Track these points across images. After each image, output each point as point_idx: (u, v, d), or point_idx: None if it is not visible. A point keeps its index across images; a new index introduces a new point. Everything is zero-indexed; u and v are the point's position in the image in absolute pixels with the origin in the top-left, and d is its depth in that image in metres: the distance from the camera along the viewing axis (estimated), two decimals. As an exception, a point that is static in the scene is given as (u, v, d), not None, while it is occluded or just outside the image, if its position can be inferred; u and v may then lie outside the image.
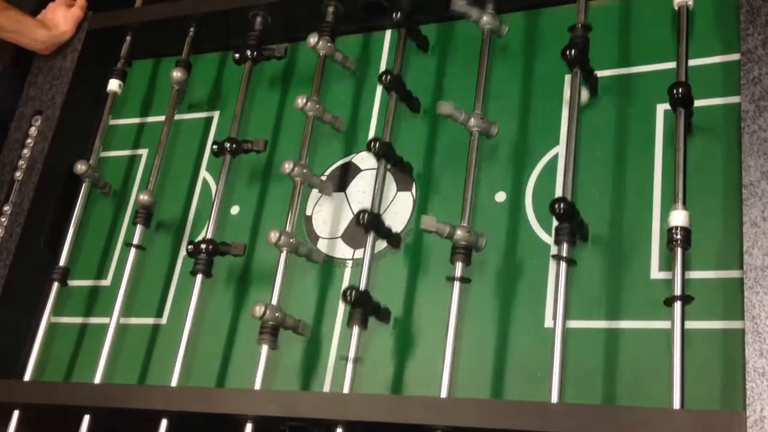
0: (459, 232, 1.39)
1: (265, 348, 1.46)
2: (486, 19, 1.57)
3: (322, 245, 1.65)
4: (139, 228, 1.71)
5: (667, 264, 1.33)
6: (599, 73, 1.54)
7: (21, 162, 1.88)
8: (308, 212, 1.69)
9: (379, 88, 1.74)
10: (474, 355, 1.39)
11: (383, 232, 1.52)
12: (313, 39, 1.69)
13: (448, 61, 1.72)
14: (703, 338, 1.27)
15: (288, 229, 1.55)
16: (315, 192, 1.70)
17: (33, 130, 1.91)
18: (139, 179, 1.91)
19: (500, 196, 1.54)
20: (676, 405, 1.16)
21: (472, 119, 1.49)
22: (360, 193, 1.66)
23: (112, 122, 1.96)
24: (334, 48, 1.72)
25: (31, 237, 1.81)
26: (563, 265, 1.31)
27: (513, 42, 1.66)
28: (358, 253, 1.60)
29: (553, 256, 1.34)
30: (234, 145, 1.72)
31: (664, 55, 1.50)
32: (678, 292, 1.23)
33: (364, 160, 1.70)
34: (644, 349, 1.32)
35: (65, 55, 1.97)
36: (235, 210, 1.76)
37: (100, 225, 1.88)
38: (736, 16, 1.41)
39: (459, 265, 1.38)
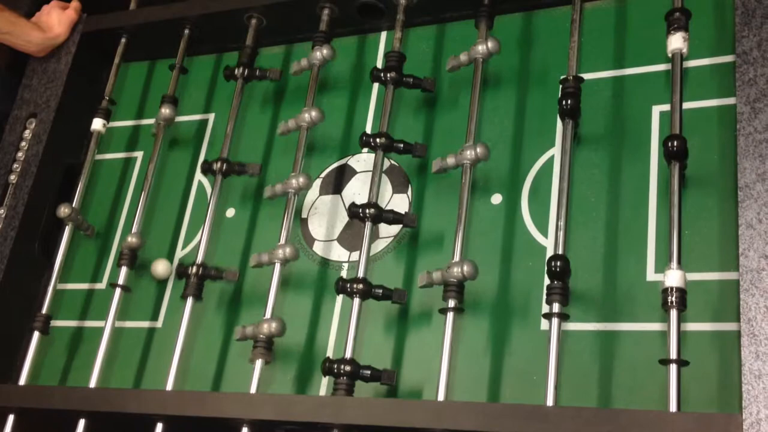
0: (451, 271, 1.36)
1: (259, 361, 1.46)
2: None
3: (317, 248, 1.64)
4: (123, 269, 1.67)
5: (663, 265, 1.33)
6: (595, 75, 1.54)
7: (15, 165, 1.87)
8: (303, 215, 1.69)
9: (376, 89, 1.73)
10: (470, 358, 1.39)
11: (387, 218, 1.51)
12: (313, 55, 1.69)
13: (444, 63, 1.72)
14: (699, 340, 1.27)
15: (283, 240, 1.54)
16: (310, 194, 1.69)
17: (27, 133, 1.90)
18: (134, 182, 1.90)
19: (496, 199, 1.54)
20: (673, 408, 1.16)
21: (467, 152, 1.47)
22: (356, 195, 1.66)
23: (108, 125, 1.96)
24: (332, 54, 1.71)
25: (25, 240, 1.81)
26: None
27: (509, 43, 1.66)
28: (354, 256, 1.59)
29: (545, 315, 1.32)
30: (225, 166, 1.69)
31: (659, 56, 1.49)
32: (674, 353, 1.19)
33: (360, 162, 1.70)
34: (640, 351, 1.31)
35: (60, 57, 1.97)
36: (230, 213, 1.76)
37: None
38: (731, 17, 1.42)
39: (451, 302, 1.36)
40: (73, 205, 1.79)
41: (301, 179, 1.58)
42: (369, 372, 1.39)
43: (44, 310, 1.70)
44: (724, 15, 1.48)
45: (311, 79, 1.69)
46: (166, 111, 1.82)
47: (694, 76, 1.45)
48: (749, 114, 1.29)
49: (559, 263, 1.30)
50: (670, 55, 1.40)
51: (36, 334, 1.68)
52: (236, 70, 1.77)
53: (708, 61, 1.47)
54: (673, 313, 1.21)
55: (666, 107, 1.43)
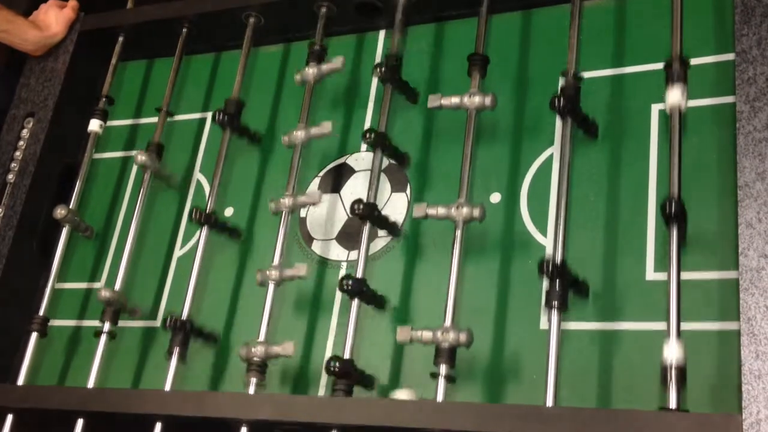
0: (442, 335, 1.32)
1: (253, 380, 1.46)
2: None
3: (316, 247, 1.64)
4: (107, 324, 1.64)
5: (663, 265, 1.33)
6: (594, 74, 1.53)
7: (13, 164, 1.87)
8: (302, 214, 1.68)
9: (374, 88, 1.73)
10: (470, 357, 1.38)
11: (380, 222, 1.50)
12: (305, 71, 1.68)
13: (442, 62, 1.71)
14: (699, 340, 1.26)
15: (276, 261, 1.54)
16: (308, 189, 1.69)
17: (25, 132, 1.90)
18: (132, 181, 1.89)
19: (495, 198, 1.53)
20: (672, 407, 1.16)
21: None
22: (354, 194, 1.65)
23: (107, 124, 1.95)
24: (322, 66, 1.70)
25: (23, 240, 1.80)
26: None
27: (507, 42, 1.65)
28: (353, 255, 1.59)
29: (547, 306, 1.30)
30: (213, 219, 1.66)
31: (658, 55, 1.49)
32: (673, 398, 1.16)
33: (359, 161, 1.69)
34: (640, 351, 1.31)
35: (57, 56, 1.96)
36: (229, 212, 1.75)
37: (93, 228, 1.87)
38: (730, 15, 1.41)
39: (443, 367, 1.32)
40: (71, 206, 1.79)
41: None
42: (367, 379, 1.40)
43: (42, 312, 1.69)
44: (724, 13, 1.47)
45: (306, 92, 1.68)
46: (141, 158, 1.76)
47: (693, 74, 1.44)
48: (749, 113, 1.29)
49: (557, 265, 1.29)
50: (668, 112, 1.34)
51: (34, 336, 1.68)
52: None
53: (707, 60, 1.47)
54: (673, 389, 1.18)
55: (665, 105, 1.43)
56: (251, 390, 1.45)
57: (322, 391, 1.49)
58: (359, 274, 1.45)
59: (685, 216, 1.27)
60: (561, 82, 1.47)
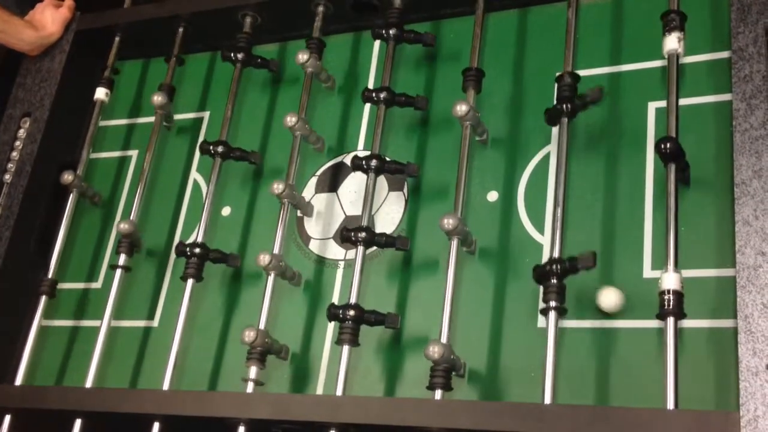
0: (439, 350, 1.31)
1: (254, 368, 1.46)
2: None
3: (313, 246, 1.64)
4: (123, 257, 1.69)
5: (660, 263, 1.33)
6: (591, 72, 1.54)
7: (10, 165, 1.87)
8: (299, 213, 1.68)
9: (371, 86, 1.73)
10: (467, 356, 1.39)
11: (377, 242, 1.50)
12: (302, 55, 1.68)
13: (439, 60, 1.71)
14: (696, 337, 1.26)
15: (276, 250, 1.54)
16: (306, 192, 1.69)
17: (21, 132, 1.90)
18: (130, 181, 1.89)
19: (492, 196, 1.53)
20: (670, 405, 1.16)
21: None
22: (352, 193, 1.66)
23: (102, 123, 1.95)
24: (321, 66, 1.71)
25: (20, 240, 1.80)
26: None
27: (504, 40, 1.66)
28: (350, 254, 1.59)
29: (542, 311, 1.30)
30: (223, 149, 1.70)
31: (655, 53, 1.49)
32: (671, 396, 1.17)
33: (356, 160, 1.69)
34: (637, 348, 1.31)
35: (53, 56, 1.96)
36: (226, 211, 1.75)
37: (90, 228, 1.87)
38: (726, 14, 1.41)
39: (438, 392, 1.32)
40: (78, 172, 1.80)
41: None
42: (373, 316, 1.41)
43: (27, 351, 1.67)
44: (720, 11, 1.47)
45: (303, 89, 1.68)
46: (158, 99, 1.81)
47: (689, 72, 1.45)
48: (745, 110, 1.29)
49: (553, 266, 1.28)
50: (665, 55, 1.40)
51: (32, 335, 1.68)
52: (233, 55, 1.77)
53: (704, 58, 1.47)
54: (671, 321, 1.20)
55: (662, 103, 1.43)
56: (252, 374, 1.44)
57: (320, 390, 1.49)
58: (354, 291, 1.44)
59: (682, 153, 1.30)
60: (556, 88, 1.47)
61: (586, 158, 1.48)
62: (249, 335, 1.45)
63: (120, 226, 1.69)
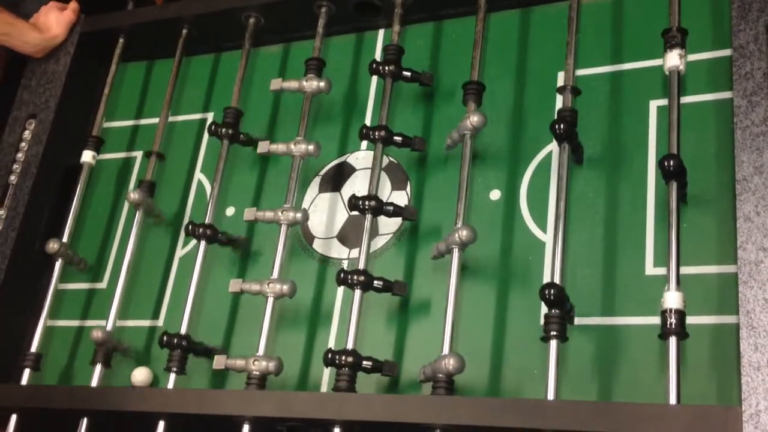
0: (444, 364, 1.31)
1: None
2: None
3: (317, 245, 1.65)
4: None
5: (662, 260, 1.33)
6: (592, 71, 1.55)
7: (16, 166, 1.88)
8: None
9: (374, 88, 1.74)
10: (470, 353, 1.39)
11: (388, 211, 1.50)
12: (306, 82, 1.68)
13: (441, 60, 1.72)
14: (698, 333, 1.27)
15: (275, 274, 1.53)
16: (310, 192, 1.70)
17: (27, 134, 1.91)
18: (134, 182, 1.90)
19: (495, 194, 1.54)
20: (672, 400, 1.16)
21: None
22: (355, 192, 1.66)
23: (106, 125, 1.96)
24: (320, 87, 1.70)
25: (26, 241, 1.81)
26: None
27: (506, 40, 1.66)
28: (354, 253, 1.60)
29: (542, 339, 1.29)
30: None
31: (656, 51, 1.50)
32: (673, 391, 1.17)
33: (359, 159, 1.70)
34: (640, 345, 1.32)
35: (58, 58, 1.97)
36: (230, 211, 1.76)
37: (95, 229, 1.88)
38: (727, 11, 1.42)
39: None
40: (63, 240, 1.76)
41: (297, 214, 1.58)
42: (370, 363, 1.39)
43: (34, 349, 1.67)
44: (721, 9, 1.48)
45: (303, 110, 1.68)
46: (135, 197, 1.74)
47: (691, 70, 1.45)
48: (746, 107, 1.30)
49: (553, 291, 1.27)
50: (666, 72, 1.38)
51: (37, 336, 1.69)
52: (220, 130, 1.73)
53: (705, 56, 1.48)
54: (673, 341, 1.19)
55: (663, 102, 1.43)
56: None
57: (324, 388, 1.49)
58: (361, 266, 1.45)
59: (684, 173, 1.29)
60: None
61: (588, 157, 1.49)
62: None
63: (131, 195, 1.70)
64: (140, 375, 1.61)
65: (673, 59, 1.38)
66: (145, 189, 1.76)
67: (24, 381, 1.65)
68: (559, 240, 1.33)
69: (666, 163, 1.28)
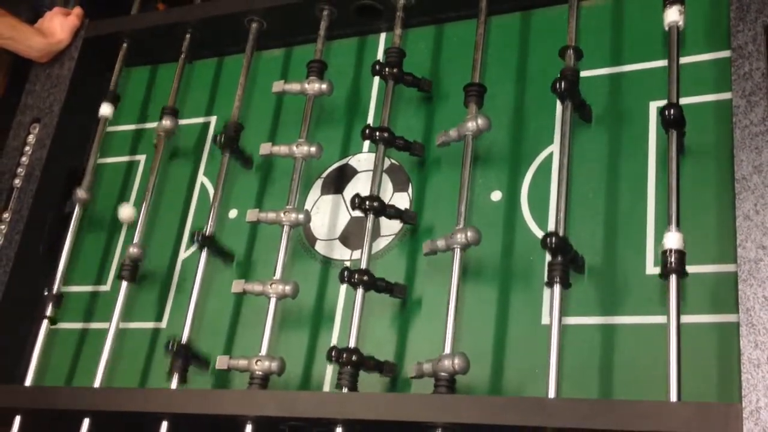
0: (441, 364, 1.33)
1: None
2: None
3: (319, 247, 1.66)
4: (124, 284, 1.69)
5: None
6: (592, 73, 1.55)
7: (20, 170, 1.89)
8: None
9: (375, 90, 1.75)
10: (472, 352, 1.39)
11: (389, 213, 1.52)
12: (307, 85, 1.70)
13: (442, 63, 1.73)
14: (699, 332, 1.27)
15: (278, 275, 1.54)
16: (312, 194, 1.71)
17: (31, 138, 1.92)
18: (137, 185, 1.91)
19: (496, 195, 1.55)
20: (673, 397, 1.17)
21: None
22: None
23: (110, 129, 1.97)
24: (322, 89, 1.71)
25: (30, 244, 1.82)
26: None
27: (507, 42, 1.67)
28: (356, 255, 1.61)
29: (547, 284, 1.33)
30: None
31: (656, 53, 1.51)
32: (674, 388, 1.18)
33: (361, 162, 1.71)
34: (640, 343, 1.32)
35: (62, 63, 1.99)
36: (233, 213, 1.77)
37: (98, 231, 1.89)
38: (726, 12, 1.43)
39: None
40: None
41: (299, 215, 1.59)
42: (372, 362, 1.40)
43: (36, 351, 1.69)
44: (720, 10, 1.49)
45: (305, 112, 1.69)
46: (166, 122, 1.83)
47: (690, 71, 1.46)
48: (745, 107, 1.31)
49: (555, 239, 1.32)
50: (666, 28, 1.43)
51: (41, 337, 1.70)
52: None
53: (704, 57, 1.49)
54: (673, 279, 1.24)
55: (663, 103, 1.44)
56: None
57: (327, 387, 1.50)
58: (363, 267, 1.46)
59: (683, 122, 1.35)
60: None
61: (587, 158, 1.50)
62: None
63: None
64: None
65: (672, 14, 1.42)
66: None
67: (28, 382, 1.65)
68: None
69: (666, 112, 1.33)
